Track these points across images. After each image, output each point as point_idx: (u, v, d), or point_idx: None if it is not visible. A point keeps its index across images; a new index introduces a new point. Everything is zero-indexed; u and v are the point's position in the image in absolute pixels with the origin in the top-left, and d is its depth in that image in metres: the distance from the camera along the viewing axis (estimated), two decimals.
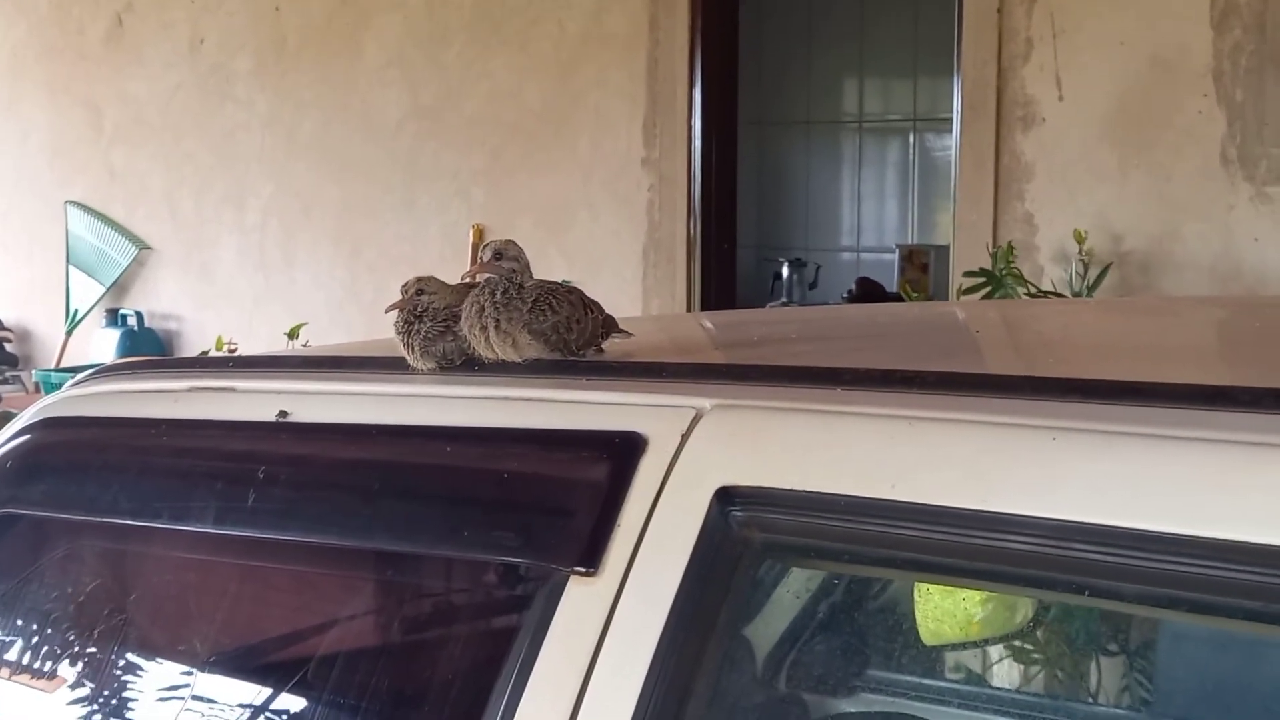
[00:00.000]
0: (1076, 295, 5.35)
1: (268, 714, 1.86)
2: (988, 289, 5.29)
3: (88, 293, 8.61)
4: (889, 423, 1.45)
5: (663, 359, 1.85)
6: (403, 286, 1.90)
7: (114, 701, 1.99)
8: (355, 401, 1.89)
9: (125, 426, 2.07)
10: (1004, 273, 5.31)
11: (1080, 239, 5.45)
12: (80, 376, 2.23)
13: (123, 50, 8.47)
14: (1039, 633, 2.13)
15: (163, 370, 2.21)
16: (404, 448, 1.78)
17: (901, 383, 1.55)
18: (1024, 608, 2.07)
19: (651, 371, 1.75)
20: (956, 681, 2.16)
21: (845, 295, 8.17)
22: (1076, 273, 5.45)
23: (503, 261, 1.80)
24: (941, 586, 1.91)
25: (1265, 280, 5.31)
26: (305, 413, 1.87)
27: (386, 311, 1.90)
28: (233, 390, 2.00)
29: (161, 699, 1.94)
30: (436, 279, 1.92)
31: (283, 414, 1.87)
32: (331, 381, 1.96)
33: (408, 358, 1.86)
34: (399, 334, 1.86)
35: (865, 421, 1.48)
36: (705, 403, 1.56)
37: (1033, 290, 5.32)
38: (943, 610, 1.98)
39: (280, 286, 7.92)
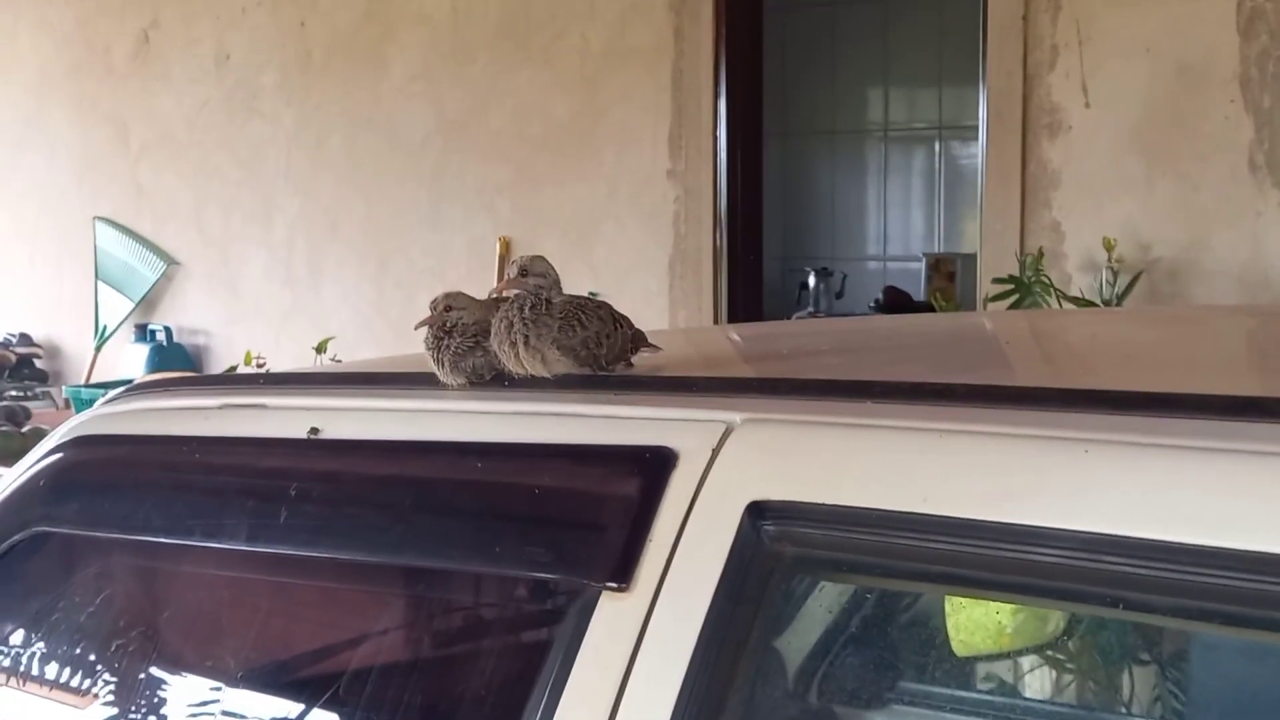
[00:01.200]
0: (1106, 304, 5.33)
1: None
2: (1016, 297, 5.28)
3: (117, 308, 8.64)
4: (920, 436, 1.45)
5: (692, 373, 1.85)
6: (431, 303, 1.90)
7: (148, 719, 2.00)
8: (386, 418, 1.89)
9: (157, 444, 2.07)
10: (1032, 280, 5.29)
11: (1109, 246, 5.43)
12: (112, 394, 2.24)
13: (149, 66, 8.51)
14: (1071, 643, 2.12)
15: (194, 387, 2.22)
16: (435, 464, 1.78)
17: (932, 395, 1.55)
18: (1055, 618, 2.06)
19: (681, 386, 1.75)
20: (988, 693, 2.15)
21: (872, 305, 8.18)
22: (1106, 281, 5.43)
23: (529, 278, 1.80)
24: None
25: None
26: (336, 429, 1.87)
27: (416, 328, 1.90)
28: (264, 407, 2.00)
29: (194, 716, 1.94)
30: (465, 294, 1.92)
31: (314, 430, 1.87)
32: (362, 398, 1.96)
33: (438, 373, 1.86)
34: (429, 349, 1.87)
35: (896, 435, 1.48)
36: (735, 417, 1.56)
37: (1061, 299, 5.30)
38: (974, 621, 1.98)
39: (307, 301, 7.94)
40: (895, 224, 9.01)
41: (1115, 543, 1.26)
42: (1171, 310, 4.61)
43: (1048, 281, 5.32)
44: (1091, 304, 5.33)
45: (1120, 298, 5.36)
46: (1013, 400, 1.52)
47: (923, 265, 8.30)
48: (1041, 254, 5.47)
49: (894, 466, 1.44)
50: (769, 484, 1.47)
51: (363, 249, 7.73)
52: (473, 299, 1.91)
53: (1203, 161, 5.46)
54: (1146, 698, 2.04)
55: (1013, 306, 5.18)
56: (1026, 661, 2.13)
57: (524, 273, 1.80)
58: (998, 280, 5.43)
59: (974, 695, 2.13)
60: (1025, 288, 5.28)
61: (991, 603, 1.94)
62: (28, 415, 6.45)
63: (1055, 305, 5.23)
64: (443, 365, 1.85)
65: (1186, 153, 5.50)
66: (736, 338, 2.95)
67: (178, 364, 8.16)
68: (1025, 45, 5.76)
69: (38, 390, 8.71)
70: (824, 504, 1.42)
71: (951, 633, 1.95)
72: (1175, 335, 2.51)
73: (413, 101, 7.47)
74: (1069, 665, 2.14)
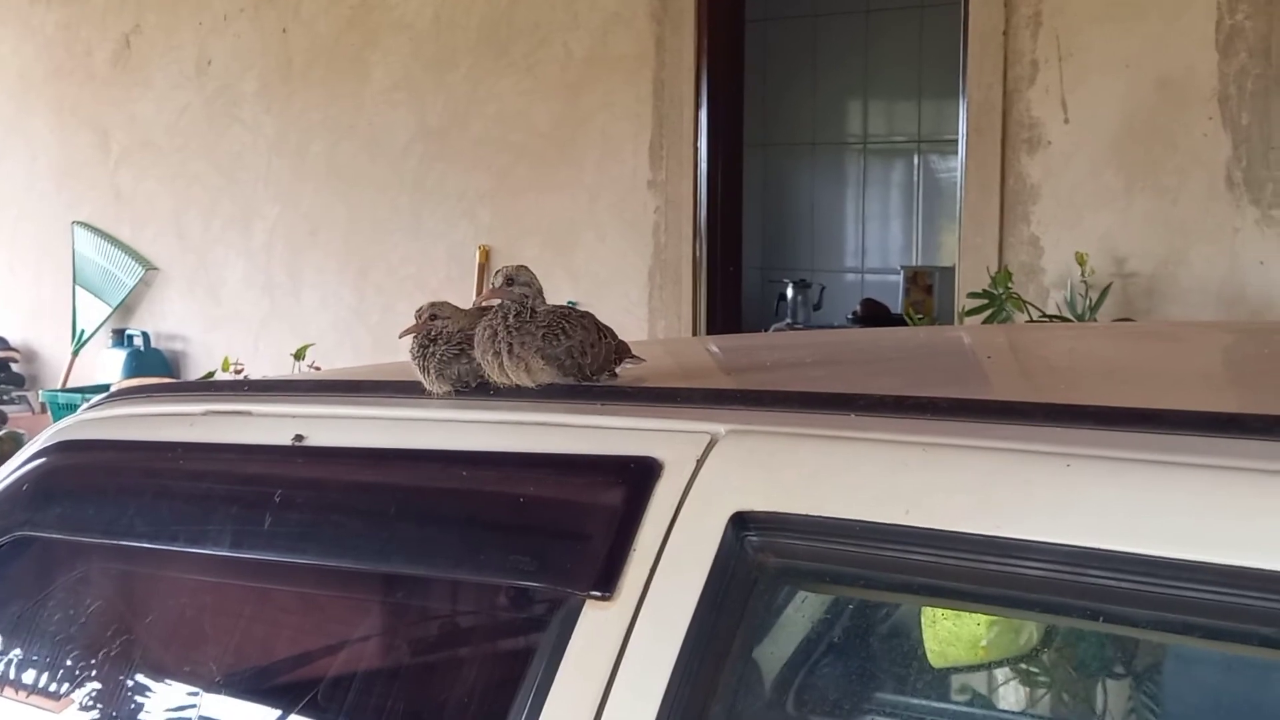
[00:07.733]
0: (1079, 318, 5.35)
1: None
2: (990, 311, 5.30)
3: (94, 313, 8.62)
4: (902, 449, 1.46)
5: (677, 384, 1.86)
6: (416, 311, 1.91)
7: None
8: (371, 425, 1.90)
9: (141, 450, 2.08)
10: (1003, 295, 5.31)
11: (1081, 261, 5.45)
12: (95, 399, 2.24)
13: (130, 72, 8.49)
14: (1045, 655, 2.14)
15: (178, 394, 2.22)
16: (420, 472, 1.79)
17: (914, 409, 1.56)
18: (1029, 630, 2.08)
19: (666, 397, 1.76)
20: (964, 704, 2.16)
21: (850, 317, 8.19)
22: (1078, 295, 5.46)
23: (514, 287, 1.81)
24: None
25: (1271, 304, 5.32)
26: (321, 436, 1.88)
27: (401, 336, 1.91)
28: (248, 414, 2.01)
29: None
30: (450, 303, 1.93)
31: (298, 438, 1.88)
32: (347, 405, 1.96)
33: (423, 381, 1.87)
34: (414, 358, 1.88)
35: (878, 447, 1.49)
36: (720, 428, 1.57)
37: (1031, 314, 5.32)
38: (950, 633, 1.99)
39: (286, 307, 7.93)
40: (874, 236, 9.03)
41: (1097, 556, 1.27)
42: (1149, 326, 4.63)
43: (1018, 297, 5.34)
44: (1064, 319, 5.34)
45: (1092, 312, 5.38)
46: (995, 414, 1.53)
47: (900, 278, 8.32)
48: (1009, 272, 5.48)
49: (877, 479, 1.45)
50: (753, 495, 1.48)
51: (342, 256, 7.73)
52: (457, 308, 1.92)
53: (1181, 177, 5.48)
54: (1121, 710, 2.05)
55: (986, 321, 5.20)
56: (1001, 673, 2.14)
57: (509, 282, 1.81)
58: (973, 295, 5.45)
59: (950, 706, 2.14)
60: (998, 302, 5.30)
61: (967, 614, 1.95)
62: (4, 419, 6.45)
63: (1027, 320, 5.25)
64: (428, 373, 1.86)
65: (1165, 169, 5.52)
66: (720, 349, 2.96)
67: (155, 369, 8.15)
68: (1005, 60, 5.78)
69: (14, 394, 8.69)
70: (807, 515, 1.43)
71: (928, 643, 1.96)
72: (1154, 351, 2.53)
73: (394, 109, 7.48)
74: (1043, 678, 2.15)
